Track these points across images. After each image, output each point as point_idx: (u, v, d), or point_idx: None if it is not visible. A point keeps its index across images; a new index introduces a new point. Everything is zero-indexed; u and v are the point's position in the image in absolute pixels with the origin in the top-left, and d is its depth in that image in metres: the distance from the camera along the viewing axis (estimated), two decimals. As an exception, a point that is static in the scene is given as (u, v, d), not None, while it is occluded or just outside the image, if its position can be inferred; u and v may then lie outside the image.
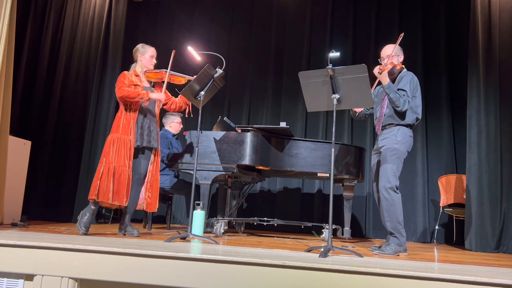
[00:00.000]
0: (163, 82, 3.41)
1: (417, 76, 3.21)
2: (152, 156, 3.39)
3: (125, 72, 3.35)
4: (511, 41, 4.25)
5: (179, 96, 3.49)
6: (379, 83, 3.15)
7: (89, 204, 3.19)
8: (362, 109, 3.37)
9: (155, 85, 3.45)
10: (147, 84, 3.40)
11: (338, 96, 2.75)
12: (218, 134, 3.96)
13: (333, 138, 2.73)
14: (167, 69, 3.37)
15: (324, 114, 5.74)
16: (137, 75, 3.35)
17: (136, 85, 3.27)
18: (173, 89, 3.64)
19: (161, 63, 3.59)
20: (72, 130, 5.25)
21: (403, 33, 3.15)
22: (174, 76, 3.42)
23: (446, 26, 5.63)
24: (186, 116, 3.59)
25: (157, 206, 3.40)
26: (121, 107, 3.30)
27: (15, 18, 3.59)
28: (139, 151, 3.32)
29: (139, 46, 3.44)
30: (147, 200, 3.34)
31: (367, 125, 5.62)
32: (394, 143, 3.07)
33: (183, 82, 3.44)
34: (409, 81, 3.09)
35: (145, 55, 3.39)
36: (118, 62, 5.44)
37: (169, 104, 3.51)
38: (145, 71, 3.39)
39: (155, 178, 3.39)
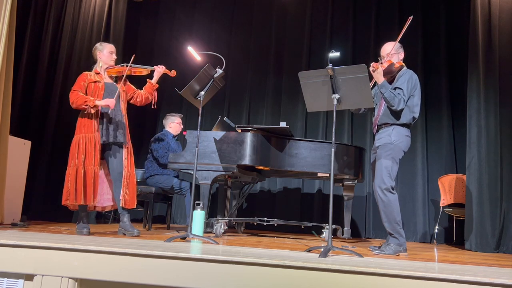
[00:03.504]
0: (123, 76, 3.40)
1: (417, 75, 3.18)
2: (125, 152, 3.32)
3: (85, 72, 3.34)
4: (511, 41, 4.25)
5: (143, 88, 3.50)
6: (376, 82, 3.13)
7: (78, 212, 3.24)
8: None
9: (118, 80, 3.41)
10: (109, 81, 3.37)
11: (338, 96, 2.75)
12: (218, 134, 3.95)
13: (333, 138, 2.73)
14: (128, 64, 3.36)
15: (324, 114, 5.74)
16: (98, 73, 3.34)
17: (96, 81, 3.26)
18: (137, 82, 3.61)
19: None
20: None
21: (412, 16, 3.05)
22: (135, 68, 3.41)
23: (446, 26, 5.63)
24: (152, 107, 3.56)
25: (135, 203, 3.32)
26: None
27: (15, 18, 3.59)
28: (106, 148, 3.28)
29: (97, 44, 3.44)
30: (125, 197, 3.25)
31: (367, 125, 5.62)
32: (388, 142, 3.06)
33: (144, 73, 3.45)
34: (407, 79, 3.06)
35: (104, 51, 3.38)
36: (118, 62, 5.43)
37: (134, 98, 3.49)
38: (106, 68, 3.38)
39: (131, 174, 3.32)
